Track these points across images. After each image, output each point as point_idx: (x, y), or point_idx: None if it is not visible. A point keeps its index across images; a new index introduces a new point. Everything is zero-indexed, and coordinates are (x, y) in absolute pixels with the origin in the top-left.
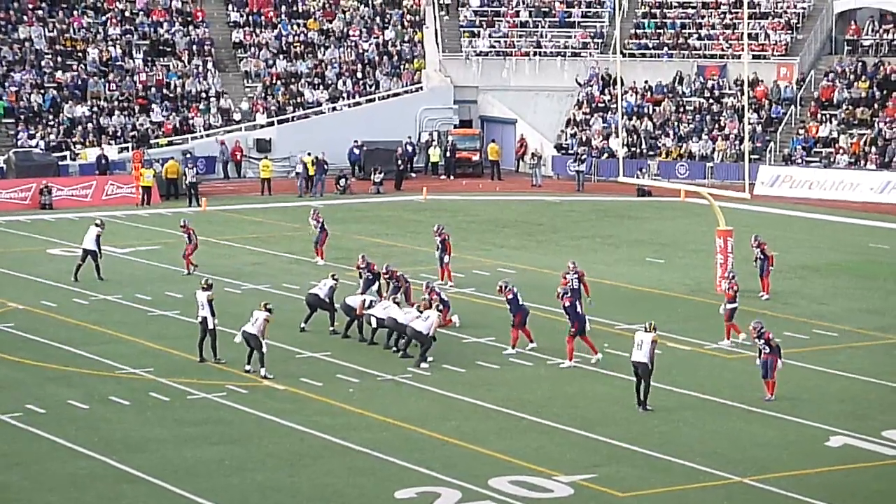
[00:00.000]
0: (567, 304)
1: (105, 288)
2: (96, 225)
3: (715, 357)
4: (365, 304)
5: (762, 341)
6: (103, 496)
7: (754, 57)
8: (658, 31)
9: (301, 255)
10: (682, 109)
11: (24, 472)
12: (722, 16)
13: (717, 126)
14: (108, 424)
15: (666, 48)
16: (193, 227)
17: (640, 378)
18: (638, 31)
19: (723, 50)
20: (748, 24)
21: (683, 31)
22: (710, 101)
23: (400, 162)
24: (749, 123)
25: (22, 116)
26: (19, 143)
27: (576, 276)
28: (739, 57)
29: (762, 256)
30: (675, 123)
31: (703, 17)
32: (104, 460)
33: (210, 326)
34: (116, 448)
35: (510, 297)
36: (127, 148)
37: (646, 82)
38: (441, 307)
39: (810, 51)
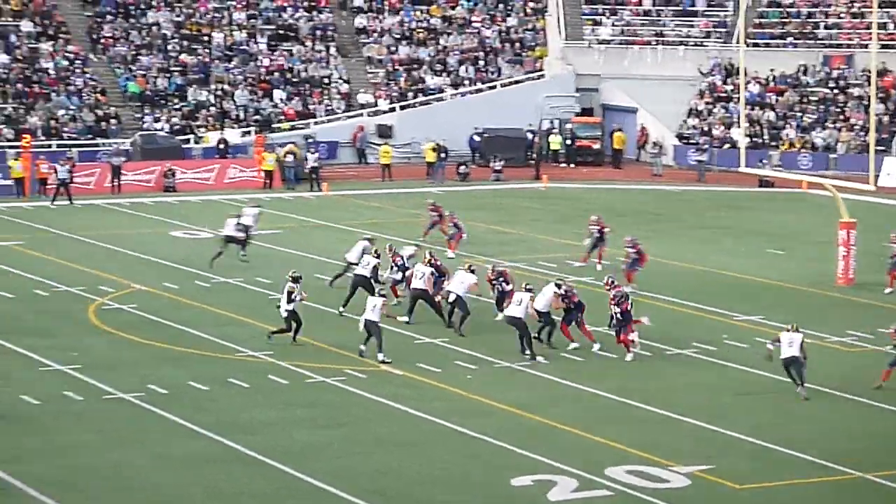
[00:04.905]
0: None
1: (226, 271)
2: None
3: (836, 350)
4: (476, 284)
5: None
6: (216, 477)
7: (883, 46)
8: (783, 20)
9: (416, 242)
10: (805, 100)
11: (142, 451)
12: (849, 4)
13: (841, 117)
14: (227, 406)
15: (791, 38)
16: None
17: (792, 371)
18: (762, 20)
19: (850, 39)
20: (877, 13)
21: (809, 20)
22: (835, 91)
23: (533, 151)
24: (875, 114)
25: (147, 100)
26: (144, 126)
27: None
28: (867, 47)
29: None
30: (799, 114)
31: (829, 5)
32: (220, 440)
33: (284, 315)
34: (232, 429)
35: (577, 300)
36: (249, 132)
37: (771, 71)
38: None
39: None
